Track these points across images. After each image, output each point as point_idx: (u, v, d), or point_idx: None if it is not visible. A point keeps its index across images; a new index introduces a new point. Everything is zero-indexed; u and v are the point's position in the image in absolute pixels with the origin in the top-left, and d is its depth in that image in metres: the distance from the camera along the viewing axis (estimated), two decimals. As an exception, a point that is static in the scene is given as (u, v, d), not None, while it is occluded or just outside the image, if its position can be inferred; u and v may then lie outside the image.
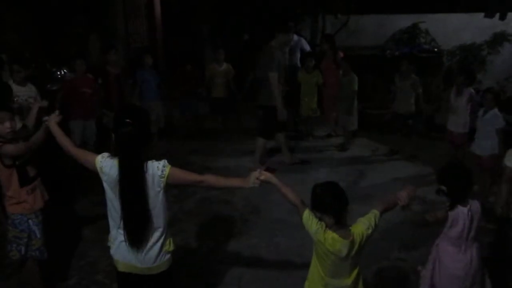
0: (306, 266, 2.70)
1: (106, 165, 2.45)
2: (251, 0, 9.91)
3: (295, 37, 7.80)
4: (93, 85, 6.04)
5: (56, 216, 3.55)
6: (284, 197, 2.63)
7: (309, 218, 2.47)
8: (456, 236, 2.73)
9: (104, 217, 2.65)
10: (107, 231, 2.66)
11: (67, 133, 3.06)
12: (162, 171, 2.43)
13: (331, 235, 2.40)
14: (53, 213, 3.47)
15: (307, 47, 8.02)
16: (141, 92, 7.09)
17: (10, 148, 3.05)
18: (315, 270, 2.55)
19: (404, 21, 9.86)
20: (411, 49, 9.06)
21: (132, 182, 2.39)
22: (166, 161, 2.48)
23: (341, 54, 7.40)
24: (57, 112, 2.86)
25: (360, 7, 9.71)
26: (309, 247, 3.92)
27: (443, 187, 2.75)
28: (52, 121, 2.81)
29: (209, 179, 2.63)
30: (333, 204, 2.38)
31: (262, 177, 2.57)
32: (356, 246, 2.41)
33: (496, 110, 4.81)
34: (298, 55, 7.82)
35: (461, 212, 2.72)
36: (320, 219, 2.43)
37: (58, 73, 7.44)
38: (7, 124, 3.04)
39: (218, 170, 6.13)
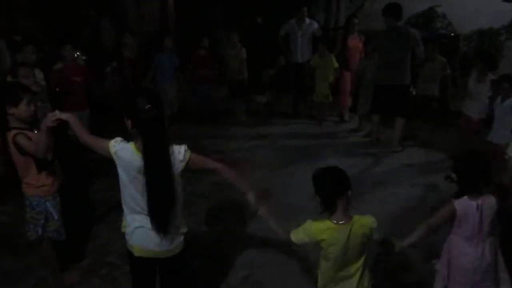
0: (318, 250, 2.69)
1: (121, 149, 2.43)
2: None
3: (307, 20, 7.70)
4: (84, 72, 5.64)
5: (69, 198, 3.56)
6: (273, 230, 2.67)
7: (297, 234, 2.50)
8: (468, 233, 2.63)
9: (116, 199, 2.65)
10: (119, 213, 2.66)
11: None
12: (184, 156, 2.44)
13: (324, 222, 2.39)
14: (66, 195, 3.49)
15: (319, 32, 7.89)
16: (156, 75, 7.08)
17: (21, 142, 3.01)
18: (323, 266, 2.53)
19: (420, 4, 9.66)
20: (427, 33, 8.90)
21: (161, 166, 2.38)
22: (186, 145, 2.48)
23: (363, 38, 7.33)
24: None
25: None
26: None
27: (453, 174, 2.67)
28: (68, 117, 2.64)
29: (223, 170, 2.63)
30: (329, 188, 2.36)
31: (259, 212, 2.64)
32: (357, 237, 2.38)
33: None
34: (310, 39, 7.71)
35: (470, 206, 2.59)
36: (320, 204, 2.40)
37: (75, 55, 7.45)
38: (24, 106, 3.03)
39: (228, 154, 6.16)
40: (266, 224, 4.27)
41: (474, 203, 2.59)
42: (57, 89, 5.31)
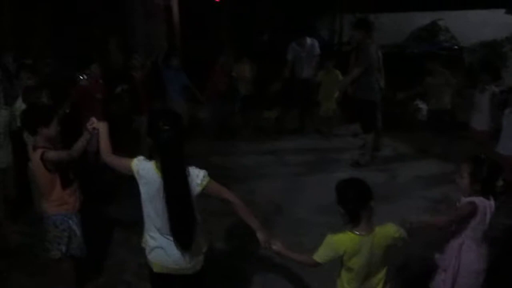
0: (329, 265, 2.72)
1: (143, 168, 2.50)
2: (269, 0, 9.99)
3: (308, 40, 7.79)
4: (104, 91, 5.93)
5: (86, 217, 3.63)
6: (294, 261, 2.76)
7: (320, 253, 2.53)
8: (482, 231, 2.72)
9: (132, 218, 2.71)
10: (134, 232, 2.71)
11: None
12: (201, 180, 2.49)
13: (348, 235, 2.42)
14: (84, 214, 3.56)
15: (318, 51, 7.93)
16: (165, 92, 7.20)
17: (52, 155, 3.15)
18: (345, 278, 2.56)
19: (422, 19, 9.83)
20: (431, 47, 9.02)
21: (178, 185, 2.43)
22: (206, 172, 2.53)
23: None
24: (94, 119, 2.91)
25: (378, 5, 9.69)
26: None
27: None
28: (102, 127, 2.83)
29: (237, 205, 2.66)
30: (353, 199, 2.40)
31: (272, 248, 2.70)
32: (380, 248, 2.42)
33: None
34: (314, 59, 7.79)
35: (488, 204, 2.69)
36: (343, 215, 2.44)
37: (81, 77, 7.58)
38: (54, 126, 3.18)
39: (237, 170, 6.22)
40: (280, 238, 4.40)
41: (488, 202, 2.69)
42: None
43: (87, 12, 9.09)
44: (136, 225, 2.72)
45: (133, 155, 2.61)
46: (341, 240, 2.44)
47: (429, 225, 2.85)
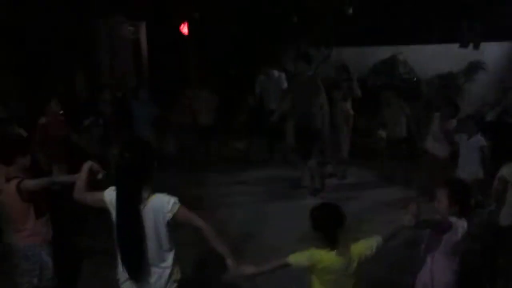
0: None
1: (113, 197, 2.55)
2: (235, 36, 10.25)
3: (276, 73, 8.06)
4: (65, 127, 5.81)
5: (57, 247, 3.61)
6: (270, 270, 2.83)
7: (295, 257, 2.64)
8: (453, 246, 2.90)
9: (103, 250, 2.72)
10: (105, 264, 2.68)
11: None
12: (172, 206, 2.52)
13: (328, 254, 2.56)
14: (54, 245, 3.54)
15: (285, 83, 8.16)
16: (133, 124, 7.24)
17: (29, 184, 3.16)
18: None
19: (383, 52, 10.26)
20: (391, 79, 9.42)
21: (128, 215, 2.47)
22: (177, 198, 2.56)
23: None
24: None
25: (342, 39, 10.08)
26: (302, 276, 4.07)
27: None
28: (86, 166, 2.76)
29: (206, 232, 2.68)
30: (327, 223, 2.55)
31: (246, 271, 2.76)
32: (354, 264, 2.57)
33: (479, 135, 5.08)
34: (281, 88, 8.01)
35: (460, 224, 2.87)
36: (320, 239, 2.57)
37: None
38: (29, 156, 3.23)
39: (207, 200, 6.26)
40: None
41: (461, 222, 2.88)
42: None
43: (52, 47, 9.12)
44: (107, 256, 2.74)
45: (104, 187, 2.67)
46: (320, 255, 2.57)
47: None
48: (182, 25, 10.64)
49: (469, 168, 5.09)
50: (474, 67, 9.87)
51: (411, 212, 2.62)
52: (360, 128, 7.50)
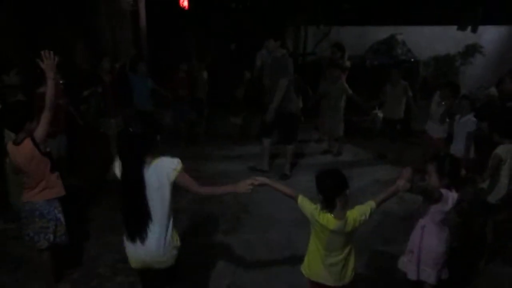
0: (295, 257, 3.02)
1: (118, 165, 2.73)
2: (236, 11, 10.26)
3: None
4: (64, 96, 5.77)
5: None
6: (280, 192, 2.98)
7: (303, 202, 2.85)
8: (443, 215, 3.07)
9: (104, 217, 2.83)
10: (107, 229, 2.79)
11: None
12: (176, 165, 2.69)
13: (326, 215, 2.73)
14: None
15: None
16: (131, 97, 7.30)
17: (40, 131, 3.27)
18: (314, 246, 2.90)
19: (382, 33, 10.30)
20: (389, 59, 9.51)
21: (130, 179, 2.63)
22: (179, 159, 2.73)
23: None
24: None
25: (341, 19, 10.13)
26: (296, 240, 4.29)
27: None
28: None
29: (207, 191, 2.93)
30: (330, 187, 2.71)
31: (256, 183, 2.90)
32: (349, 228, 2.74)
33: (471, 115, 5.19)
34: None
35: (451, 195, 3.04)
36: (321, 201, 2.75)
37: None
38: (35, 121, 3.35)
39: (205, 173, 6.39)
40: (246, 236, 4.66)
41: (453, 194, 3.05)
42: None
43: (52, 15, 9.08)
44: (107, 222, 2.86)
45: (101, 156, 2.81)
46: (319, 214, 2.76)
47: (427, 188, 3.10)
48: (182, -1, 10.61)
49: (459, 146, 5.22)
50: (471, 50, 9.97)
51: (405, 176, 2.76)
52: (356, 107, 7.59)
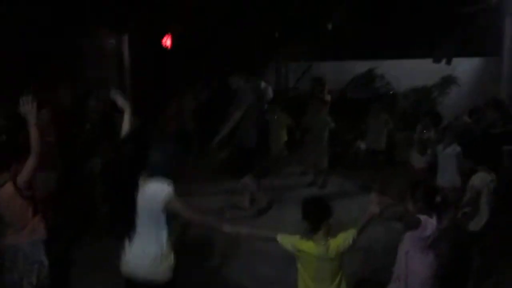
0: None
1: None
2: (216, 51, 10.48)
3: (263, 84, 8.32)
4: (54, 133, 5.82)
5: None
6: (260, 239, 3.24)
7: (283, 238, 2.94)
8: (423, 241, 3.16)
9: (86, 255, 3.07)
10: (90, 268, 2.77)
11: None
12: (165, 196, 2.80)
13: (307, 242, 2.83)
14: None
15: (271, 94, 8.46)
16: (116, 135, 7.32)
17: (24, 174, 3.28)
18: (302, 281, 2.94)
19: (361, 67, 10.63)
20: (368, 92, 9.77)
21: (124, 200, 2.84)
22: (172, 190, 2.82)
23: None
24: None
25: (321, 54, 10.42)
26: (286, 275, 4.30)
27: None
28: None
29: (199, 218, 3.11)
30: (315, 214, 2.82)
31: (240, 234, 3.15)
32: (332, 253, 2.82)
33: (454, 144, 5.34)
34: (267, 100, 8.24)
35: (429, 221, 3.15)
36: (307, 229, 2.84)
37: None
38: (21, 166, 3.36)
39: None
40: (237, 272, 4.62)
41: (432, 220, 3.17)
42: None
43: (36, 57, 9.17)
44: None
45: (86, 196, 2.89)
46: (301, 243, 2.86)
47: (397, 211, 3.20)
48: (165, 38, 10.79)
49: (446, 177, 5.34)
50: (446, 81, 10.29)
51: (374, 201, 2.91)
52: (339, 139, 7.75)
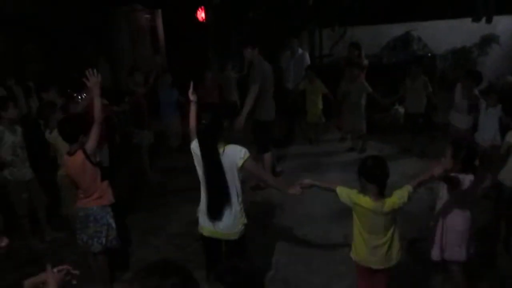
0: (332, 249, 3.20)
1: (194, 146, 3.20)
2: (252, 19, 10.51)
3: (299, 51, 8.41)
4: (105, 110, 5.93)
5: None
6: (324, 188, 3.33)
7: (341, 189, 3.13)
8: (461, 197, 3.26)
9: (142, 222, 3.45)
10: (147, 233, 3.14)
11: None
12: (243, 154, 3.11)
13: (364, 198, 2.98)
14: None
15: (308, 61, 8.59)
16: (160, 110, 7.58)
17: (91, 143, 3.57)
18: (357, 231, 3.11)
19: (397, 30, 10.43)
20: (406, 56, 9.63)
21: (210, 162, 3.09)
22: (247, 149, 3.15)
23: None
24: None
25: (355, 19, 10.29)
26: (332, 234, 4.47)
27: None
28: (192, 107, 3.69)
29: (270, 179, 3.59)
30: (379, 176, 2.95)
31: (304, 185, 3.35)
32: (387, 209, 2.95)
33: (499, 107, 5.31)
34: (304, 66, 8.31)
35: (467, 178, 3.20)
36: (363, 187, 2.98)
37: (79, 97, 7.90)
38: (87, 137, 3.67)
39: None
40: (284, 232, 4.84)
41: (469, 176, 3.21)
42: None
43: (75, 39, 9.52)
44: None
45: (134, 168, 3.10)
46: (358, 197, 3.02)
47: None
48: (199, 11, 10.88)
49: (487, 135, 5.34)
50: (486, 41, 10.01)
51: (443, 164, 3.06)
52: (377, 105, 7.72)
